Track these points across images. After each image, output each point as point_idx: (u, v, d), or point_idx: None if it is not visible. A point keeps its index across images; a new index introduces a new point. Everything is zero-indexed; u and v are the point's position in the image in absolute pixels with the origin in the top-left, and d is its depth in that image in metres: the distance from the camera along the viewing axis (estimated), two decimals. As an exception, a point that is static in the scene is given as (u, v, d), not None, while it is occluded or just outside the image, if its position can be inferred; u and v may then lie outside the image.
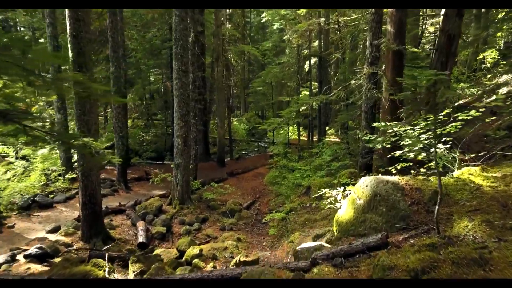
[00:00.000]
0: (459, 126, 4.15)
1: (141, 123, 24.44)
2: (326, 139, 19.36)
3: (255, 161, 18.35)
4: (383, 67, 7.98)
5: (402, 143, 5.10)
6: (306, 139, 24.69)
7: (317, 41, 23.06)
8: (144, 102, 26.39)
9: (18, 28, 26.65)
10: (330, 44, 21.15)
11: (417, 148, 4.89)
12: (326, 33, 20.01)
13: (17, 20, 24.36)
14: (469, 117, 4.05)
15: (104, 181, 12.64)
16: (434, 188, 4.24)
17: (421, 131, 4.70)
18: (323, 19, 15.87)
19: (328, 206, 5.42)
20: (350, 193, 5.26)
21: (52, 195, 10.48)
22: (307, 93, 26.29)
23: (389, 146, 5.82)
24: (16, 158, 11.21)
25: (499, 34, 15.89)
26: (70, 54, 6.76)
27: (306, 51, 22.29)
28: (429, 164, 5.03)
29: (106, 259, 5.75)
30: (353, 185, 7.24)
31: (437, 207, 3.49)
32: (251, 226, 9.62)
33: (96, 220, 7.39)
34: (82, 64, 6.79)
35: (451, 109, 4.11)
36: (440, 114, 4.30)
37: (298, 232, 7.42)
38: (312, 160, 14.08)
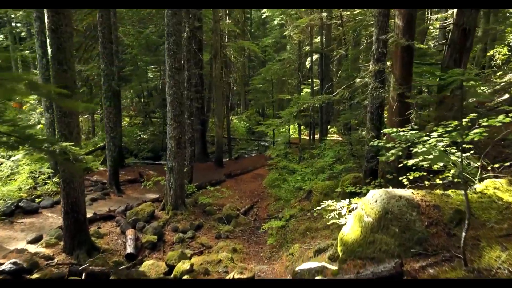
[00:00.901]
0: (485, 134, 3.57)
1: (139, 121, 23.88)
2: (328, 139, 18.77)
3: (254, 161, 17.78)
4: (391, 64, 7.36)
5: (414, 150, 4.52)
6: (307, 137, 24.13)
7: (319, 37, 22.42)
8: (142, 100, 25.82)
9: (13, 24, 26.07)
10: (332, 40, 20.51)
11: (432, 156, 4.32)
12: (328, 29, 19.37)
13: (12, 16, 23.79)
14: (497, 123, 3.47)
15: (95, 183, 12.10)
16: (456, 206, 3.65)
17: (440, 138, 4.12)
18: (325, 14, 15.22)
19: (331, 221, 4.84)
20: (356, 207, 4.69)
21: (39, 199, 9.93)
22: (309, 90, 25.66)
23: (389, 145, 5.25)
24: (3, 157, 10.66)
25: (508, 30, 15.22)
26: (49, 50, 6.18)
27: (307, 48, 21.66)
28: (446, 175, 4.43)
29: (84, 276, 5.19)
30: (358, 195, 6.67)
31: (464, 233, 2.91)
32: (248, 234, 9.05)
33: (80, 230, 6.83)
34: (63, 60, 6.20)
35: (477, 114, 3.52)
36: (464, 120, 3.71)
37: (298, 244, 6.86)
38: (314, 161, 13.50)
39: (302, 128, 21.23)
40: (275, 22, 21.51)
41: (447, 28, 9.06)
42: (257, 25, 35.59)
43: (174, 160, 9.33)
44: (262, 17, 28.60)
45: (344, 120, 12.61)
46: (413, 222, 3.64)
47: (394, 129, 4.66)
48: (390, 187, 4.58)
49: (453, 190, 4.08)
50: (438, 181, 4.54)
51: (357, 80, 7.60)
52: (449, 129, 3.77)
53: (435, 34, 18.03)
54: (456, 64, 6.94)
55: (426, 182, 4.77)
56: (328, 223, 7.55)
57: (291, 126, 23.36)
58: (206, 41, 22.07)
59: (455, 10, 7.09)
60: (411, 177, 4.86)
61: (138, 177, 13.05)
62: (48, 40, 6.17)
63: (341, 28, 20.74)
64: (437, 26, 16.72)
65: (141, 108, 24.79)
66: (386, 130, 4.94)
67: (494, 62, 13.70)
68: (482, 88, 11.60)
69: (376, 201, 4.02)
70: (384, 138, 6.06)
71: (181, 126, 9.22)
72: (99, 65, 13.20)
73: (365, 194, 6.66)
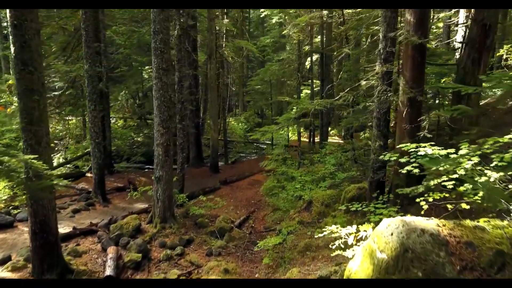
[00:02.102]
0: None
1: (134, 123, 23.10)
2: (328, 142, 18.00)
3: (252, 165, 16.98)
4: (400, 65, 6.60)
5: (434, 167, 3.77)
6: (307, 139, 23.33)
7: (319, 37, 21.67)
8: (137, 101, 25.03)
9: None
10: (332, 40, 19.76)
11: (458, 176, 3.58)
12: (329, 28, 18.63)
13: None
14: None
15: (80, 192, 11.32)
16: (495, 246, 2.88)
17: (469, 157, 3.36)
18: (325, 11, 14.49)
19: (336, 252, 4.07)
20: (365, 236, 3.92)
21: (17, 211, 9.18)
22: (308, 91, 24.88)
23: (404, 160, 4.50)
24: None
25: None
26: (12, 49, 5.41)
27: (307, 47, 20.93)
28: (475, 198, 3.66)
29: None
30: (365, 215, 5.91)
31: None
32: (243, 250, 8.28)
33: (50, 251, 6.06)
34: (28, 60, 5.44)
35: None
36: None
37: (296, 268, 6.09)
38: (314, 167, 12.73)
39: (301, 130, 20.48)
40: (273, 21, 20.76)
41: (455, 26, 8.29)
42: (256, 24, 34.86)
43: (162, 169, 8.57)
44: (261, 16, 27.87)
45: (347, 125, 11.84)
46: (442, 265, 2.87)
47: (411, 145, 3.90)
48: (403, 216, 3.80)
49: (486, 219, 3.31)
50: (464, 205, 3.78)
51: (363, 82, 6.83)
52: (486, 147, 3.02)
53: (440, 32, 17.30)
54: (474, 65, 6.19)
55: (449, 206, 4.00)
56: (329, 241, 6.82)
57: (290, 128, 22.59)
58: (203, 41, 21.34)
59: (473, 4, 6.32)
60: (430, 199, 4.10)
61: (127, 184, 12.27)
62: (10, 38, 5.40)
63: (341, 27, 20.01)
64: (441, 25, 15.97)
65: (135, 109, 24.00)
66: (401, 146, 4.17)
67: (505, 62, 12.91)
68: (494, 90, 10.83)
69: (391, 234, 3.25)
70: (393, 153, 5.30)
71: (169, 132, 8.45)
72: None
73: (373, 213, 5.92)
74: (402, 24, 7.24)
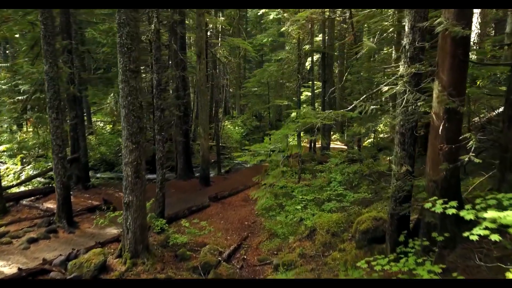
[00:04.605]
0: None
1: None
2: (331, 151, 16.45)
3: (247, 176, 15.35)
4: (435, 65, 5.02)
5: None
6: (307, 145, 21.75)
7: (321, 35, 20.18)
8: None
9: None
10: (334, 38, 18.25)
11: None
12: (331, 25, 17.09)
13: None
14: None
15: (43, 214, 9.70)
16: None
17: None
18: (329, 6, 12.93)
19: None
20: None
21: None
22: (309, 93, 23.32)
23: (470, 217, 2.96)
24: None
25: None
26: None
27: (307, 46, 19.42)
28: None
29: None
30: (382, 252, 4.31)
31: None
32: (230, 294, 6.67)
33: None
34: None
35: None
36: None
37: None
38: (315, 181, 11.15)
39: (302, 134, 18.91)
40: (271, 17, 19.20)
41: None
42: (253, 23, 33.33)
43: (132, 194, 6.98)
44: (259, 13, 26.33)
45: (354, 134, 10.27)
46: None
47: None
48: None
49: None
50: None
51: (385, 88, 5.24)
52: None
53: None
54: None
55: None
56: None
57: (290, 124, 20.96)
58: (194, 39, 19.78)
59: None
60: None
61: (101, 203, 10.66)
62: None
63: (344, 25, 18.41)
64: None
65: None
66: (464, 214, 2.60)
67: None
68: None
69: None
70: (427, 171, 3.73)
71: (140, 147, 6.87)
72: (61, 66, 10.85)
73: (397, 262, 4.33)
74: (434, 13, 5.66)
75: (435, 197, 3.75)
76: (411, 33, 5.21)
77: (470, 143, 4.55)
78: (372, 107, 4.93)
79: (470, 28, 4.72)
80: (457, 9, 4.56)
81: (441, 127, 4.87)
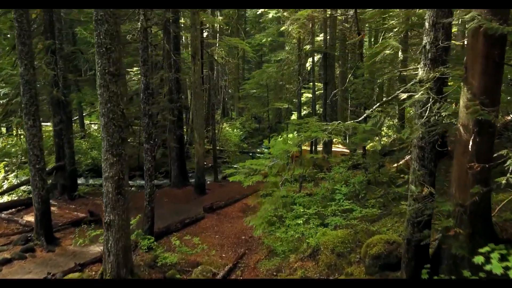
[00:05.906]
0: None
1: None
2: (332, 156, 15.69)
3: (245, 182, 14.60)
4: (463, 69, 4.25)
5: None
6: (308, 148, 21.02)
7: (322, 35, 19.43)
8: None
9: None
10: (336, 38, 17.48)
11: None
12: (333, 24, 16.31)
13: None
14: None
15: (22, 229, 8.92)
16: None
17: None
18: (331, 3, 12.17)
19: None
20: None
21: None
22: (310, 95, 22.55)
23: None
24: None
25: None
26: None
27: (308, 46, 18.65)
28: None
29: None
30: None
31: None
32: (224, 327, 5.91)
33: None
34: None
35: None
36: None
37: None
38: (317, 189, 10.38)
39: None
40: (270, 16, 18.44)
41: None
42: (252, 22, 32.57)
43: (113, 212, 6.22)
44: (258, 12, 25.57)
45: (358, 142, 9.49)
46: None
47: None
48: None
49: None
50: None
51: (404, 95, 4.47)
52: None
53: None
54: None
55: None
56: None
57: (290, 135, 20.26)
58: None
59: None
60: None
61: (87, 215, 9.88)
62: None
63: (346, 25, 17.62)
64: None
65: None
66: None
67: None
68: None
69: None
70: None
71: (122, 160, 6.10)
72: (48, 68, 10.08)
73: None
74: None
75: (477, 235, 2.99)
76: (432, 30, 4.43)
77: (508, 162, 3.77)
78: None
79: (507, 25, 3.96)
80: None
81: (470, 142, 4.10)
